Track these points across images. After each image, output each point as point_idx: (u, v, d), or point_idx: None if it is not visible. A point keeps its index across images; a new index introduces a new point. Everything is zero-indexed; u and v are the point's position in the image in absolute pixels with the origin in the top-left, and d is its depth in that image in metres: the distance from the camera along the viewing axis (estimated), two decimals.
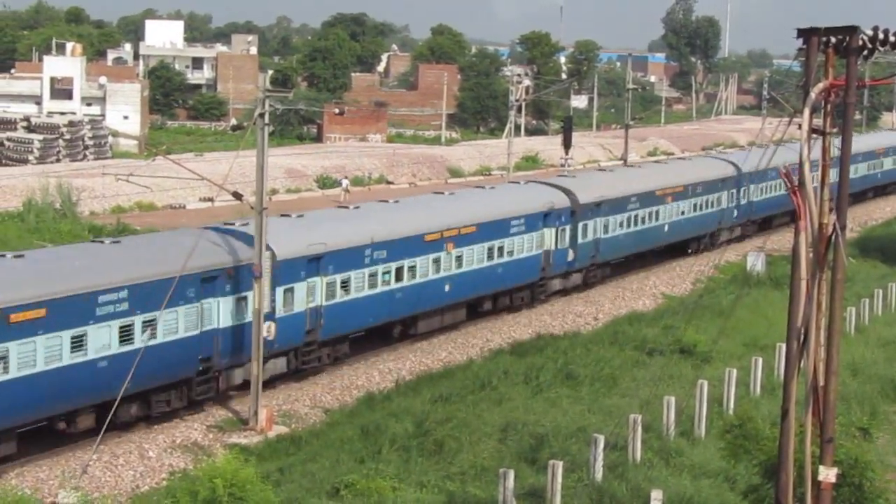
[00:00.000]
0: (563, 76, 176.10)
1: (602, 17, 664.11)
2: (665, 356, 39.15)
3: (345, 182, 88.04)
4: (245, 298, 36.07)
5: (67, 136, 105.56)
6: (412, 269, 43.97)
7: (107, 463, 31.07)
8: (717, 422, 31.88)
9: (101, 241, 37.13)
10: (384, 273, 42.69)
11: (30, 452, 31.28)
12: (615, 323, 48.28)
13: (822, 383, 20.29)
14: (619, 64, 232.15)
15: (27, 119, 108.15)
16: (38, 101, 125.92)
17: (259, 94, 34.84)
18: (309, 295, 39.41)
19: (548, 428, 31.22)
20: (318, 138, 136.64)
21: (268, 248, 35.96)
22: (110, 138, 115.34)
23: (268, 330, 36.05)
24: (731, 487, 27.24)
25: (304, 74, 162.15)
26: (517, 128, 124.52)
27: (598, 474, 26.92)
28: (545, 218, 51.73)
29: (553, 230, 52.14)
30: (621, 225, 57.83)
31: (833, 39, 19.90)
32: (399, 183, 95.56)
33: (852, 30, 19.79)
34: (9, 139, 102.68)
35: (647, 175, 64.83)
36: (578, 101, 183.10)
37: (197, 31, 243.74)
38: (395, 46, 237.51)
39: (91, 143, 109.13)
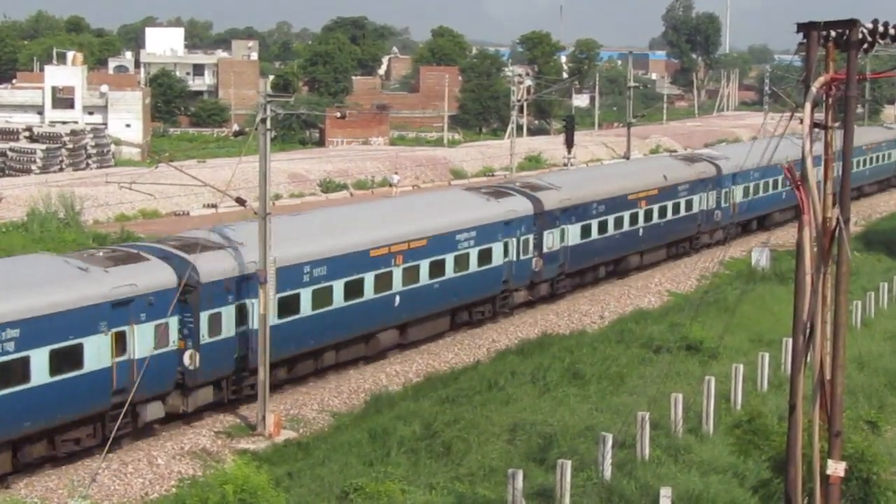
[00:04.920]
0: (565, 75, 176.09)
1: (602, 15, 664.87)
2: (672, 353, 39.15)
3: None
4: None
5: (70, 146, 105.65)
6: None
7: (116, 471, 31.10)
8: (725, 418, 31.88)
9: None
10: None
11: (38, 462, 31.26)
12: (621, 321, 48.28)
13: (828, 377, 20.30)
14: (619, 62, 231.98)
15: (29, 129, 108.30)
16: (40, 110, 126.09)
17: (260, 100, 34.87)
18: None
19: (556, 427, 31.24)
20: (321, 142, 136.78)
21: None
22: (113, 146, 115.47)
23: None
24: (740, 483, 27.23)
25: (305, 79, 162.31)
26: (519, 128, 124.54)
27: (607, 473, 26.92)
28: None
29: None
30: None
31: (833, 33, 19.92)
32: (402, 185, 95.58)
33: (852, 23, 19.80)
34: (11, 149, 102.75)
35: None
36: (580, 101, 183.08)
37: (197, 37, 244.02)
38: (395, 49, 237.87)
39: (94, 151, 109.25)
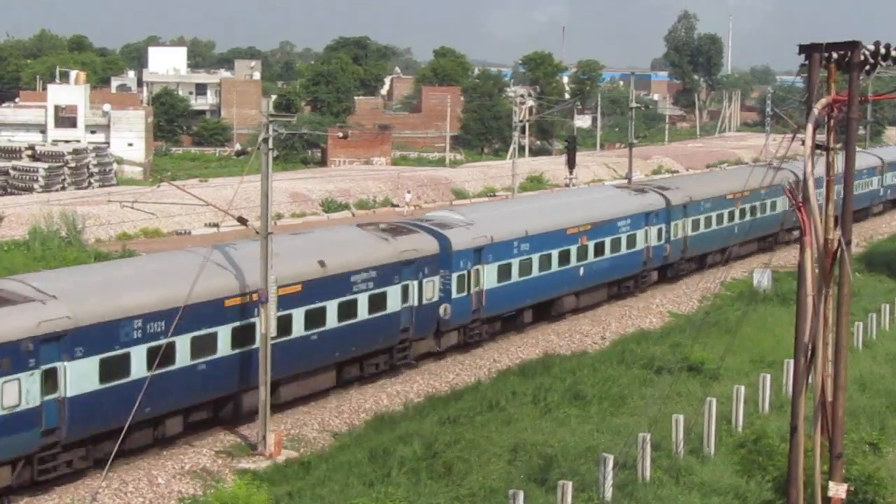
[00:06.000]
0: (567, 96, 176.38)
1: (604, 36, 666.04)
2: (673, 374, 39.10)
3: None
4: None
5: (72, 164, 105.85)
6: None
7: (116, 490, 31.04)
8: (726, 439, 31.85)
9: None
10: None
11: (39, 480, 31.18)
12: (622, 342, 48.23)
13: (830, 399, 20.28)
14: (622, 83, 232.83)
15: (32, 147, 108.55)
16: (42, 129, 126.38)
17: (262, 119, 34.89)
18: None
19: (556, 448, 31.18)
20: (323, 162, 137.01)
21: None
22: (115, 165, 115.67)
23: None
24: None
25: (307, 99, 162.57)
26: (521, 148, 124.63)
27: (608, 494, 26.87)
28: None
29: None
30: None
31: (835, 55, 19.97)
32: (403, 206, 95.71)
33: (854, 45, 19.85)
34: (14, 168, 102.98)
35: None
36: (582, 121, 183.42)
37: (200, 57, 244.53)
38: (397, 69, 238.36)
39: (96, 170, 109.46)
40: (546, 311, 52.37)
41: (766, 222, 71.60)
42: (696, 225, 63.22)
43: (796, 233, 74.41)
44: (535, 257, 49.94)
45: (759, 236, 71.47)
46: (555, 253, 51.32)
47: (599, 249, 54.56)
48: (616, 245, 56.16)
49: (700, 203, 63.28)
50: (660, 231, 59.96)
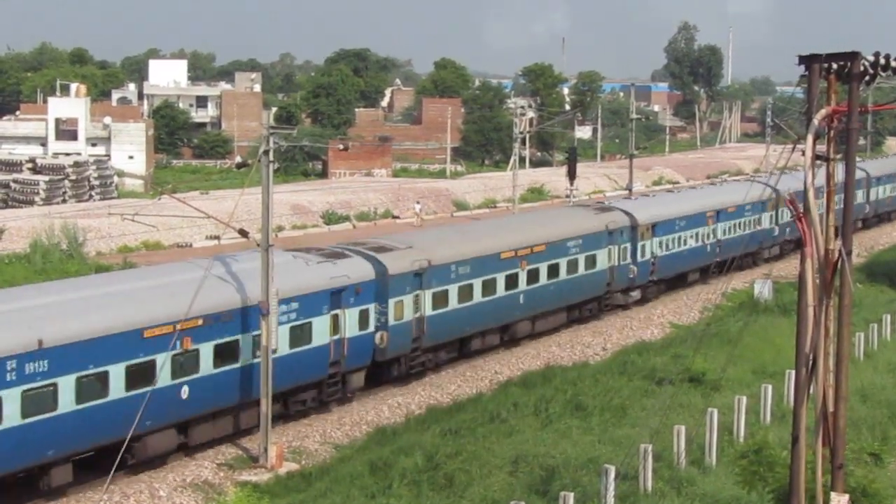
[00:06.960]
0: (567, 107, 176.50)
1: (604, 47, 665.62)
2: (674, 385, 39.06)
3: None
4: None
5: (73, 177, 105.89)
6: None
7: (117, 503, 31.01)
8: (727, 450, 31.80)
9: None
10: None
11: (38, 495, 31.17)
12: (623, 353, 48.17)
13: (831, 409, 20.28)
14: (622, 94, 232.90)
15: (33, 160, 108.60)
16: (43, 142, 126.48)
17: (263, 132, 34.91)
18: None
19: (558, 459, 31.15)
20: (324, 174, 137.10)
21: None
22: (116, 178, 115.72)
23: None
24: None
25: (308, 111, 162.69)
26: (521, 160, 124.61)
27: None
28: None
29: None
30: None
31: (835, 65, 19.98)
32: (405, 217, 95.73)
33: (853, 56, 19.87)
34: (15, 181, 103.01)
35: None
36: (582, 132, 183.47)
37: (200, 69, 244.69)
38: (398, 81, 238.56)
39: (97, 183, 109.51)
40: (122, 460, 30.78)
41: (579, 285, 53.34)
42: (441, 300, 44.65)
43: (635, 293, 57.70)
44: (60, 383, 30.10)
45: (569, 304, 53.23)
46: (115, 370, 31.54)
47: (221, 356, 34.75)
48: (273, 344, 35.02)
49: (450, 267, 45.11)
50: (364, 314, 40.73)
